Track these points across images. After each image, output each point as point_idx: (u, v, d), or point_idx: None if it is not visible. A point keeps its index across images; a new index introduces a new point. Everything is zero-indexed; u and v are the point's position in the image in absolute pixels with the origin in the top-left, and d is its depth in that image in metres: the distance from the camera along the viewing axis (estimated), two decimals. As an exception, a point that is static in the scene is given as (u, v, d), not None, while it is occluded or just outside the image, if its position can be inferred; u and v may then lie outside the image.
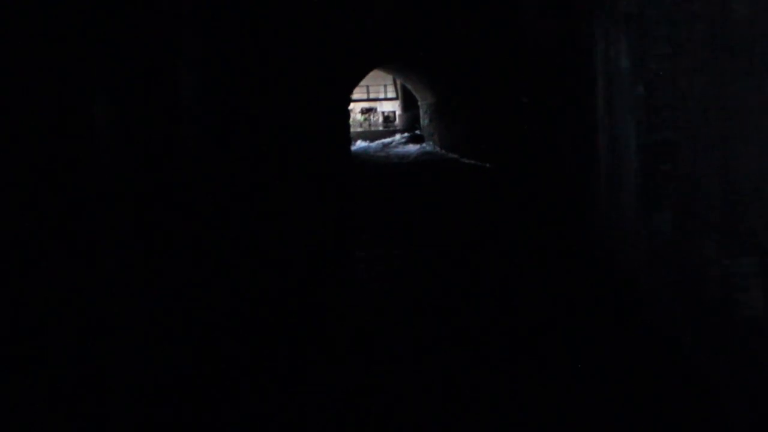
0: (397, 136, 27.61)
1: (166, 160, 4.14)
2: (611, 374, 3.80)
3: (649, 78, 4.36)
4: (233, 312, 4.52)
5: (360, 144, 25.79)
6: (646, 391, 3.58)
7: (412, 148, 23.78)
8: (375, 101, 31.84)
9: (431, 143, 23.36)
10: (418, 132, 26.58)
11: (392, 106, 31.46)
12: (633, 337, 4.35)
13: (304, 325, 4.41)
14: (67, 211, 2.96)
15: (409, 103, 28.25)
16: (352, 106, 19.55)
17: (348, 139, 15.46)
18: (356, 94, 21.99)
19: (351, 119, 18.78)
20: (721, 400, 3.57)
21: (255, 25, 6.93)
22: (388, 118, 31.57)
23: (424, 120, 25.40)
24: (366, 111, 31.73)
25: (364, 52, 14.17)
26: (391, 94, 31.40)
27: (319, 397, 3.52)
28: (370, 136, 28.49)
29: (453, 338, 4.24)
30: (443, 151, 20.50)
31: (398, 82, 28.46)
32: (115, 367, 3.29)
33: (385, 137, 27.86)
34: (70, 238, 2.95)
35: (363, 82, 23.09)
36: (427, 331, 4.45)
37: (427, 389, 3.58)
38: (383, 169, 17.62)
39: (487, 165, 14.63)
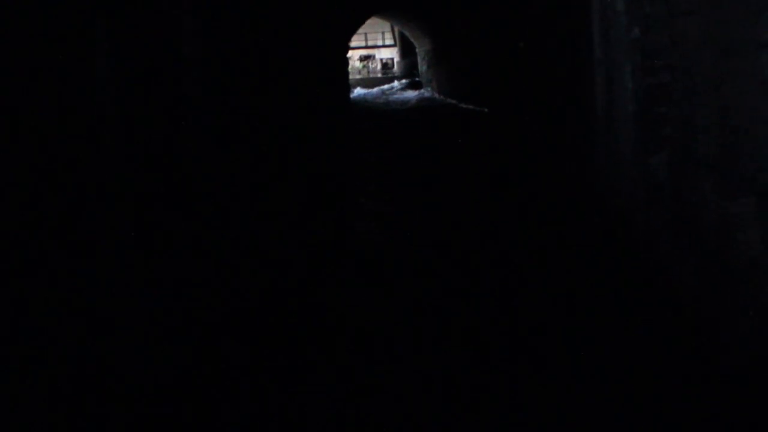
0: (396, 83, 27.61)
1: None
2: (608, 313, 3.88)
3: (644, 21, 4.38)
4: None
5: (359, 91, 25.70)
6: (645, 333, 3.62)
7: (411, 94, 23.75)
8: (373, 48, 31.86)
9: (430, 89, 23.34)
10: (416, 78, 26.59)
11: (390, 53, 31.44)
12: (630, 278, 4.40)
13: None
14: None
15: (407, 49, 28.29)
16: (350, 53, 19.54)
17: (347, 86, 15.43)
18: (354, 42, 22.05)
19: (349, 67, 18.79)
20: (720, 340, 3.57)
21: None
22: (386, 65, 31.53)
23: (422, 66, 25.39)
24: (364, 58, 31.71)
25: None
26: (389, 41, 31.42)
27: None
28: (368, 83, 28.43)
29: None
30: (442, 97, 20.46)
31: (396, 29, 28.51)
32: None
33: (383, 84, 27.86)
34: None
35: (361, 30, 23.16)
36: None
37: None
38: (382, 115, 17.62)
39: (486, 110, 14.60)
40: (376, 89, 26.58)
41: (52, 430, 2.75)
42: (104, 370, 3.16)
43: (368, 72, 31.40)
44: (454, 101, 18.49)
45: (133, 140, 3.64)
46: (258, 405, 3.48)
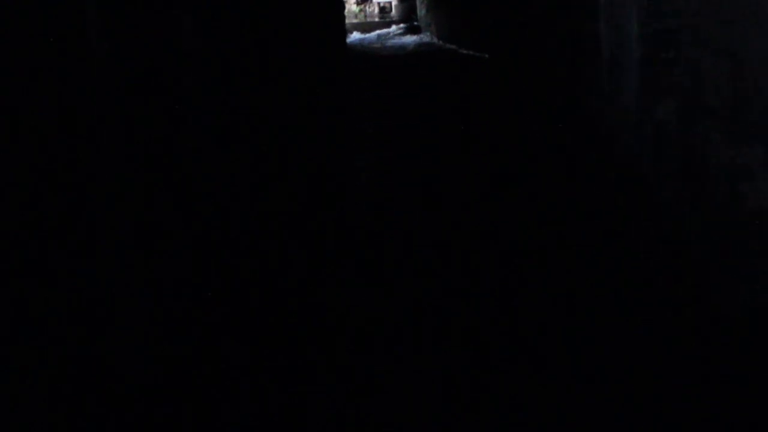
0: (394, 27, 27.23)
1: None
2: (612, 265, 3.91)
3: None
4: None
5: (355, 36, 25.33)
6: (650, 282, 3.63)
7: (409, 39, 23.47)
8: (370, -9, 31.38)
9: (428, 34, 23.09)
10: (415, 23, 26.27)
11: (388, -4, 30.98)
12: (633, 227, 4.40)
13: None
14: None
15: (405, -8, 27.93)
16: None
17: (343, 31, 15.25)
18: (351, -16, 21.73)
19: (346, 11, 18.44)
20: (724, 290, 3.55)
21: None
22: (384, 9, 31.00)
23: (421, 10, 25.12)
24: (361, 2, 31.19)
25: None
26: (387, -17, 30.99)
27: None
28: (365, 27, 28.02)
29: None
30: (441, 42, 20.24)
31: (394, -30, 28.21)
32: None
33: (381, 28, 27.44)
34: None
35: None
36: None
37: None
38: (380, 61, 17.53)
39: (486, 56, 14.44)
40: (373, 34, 26.13)
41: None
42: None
43: (365, 16, 30.77)
44: (453, 46, 18.23)
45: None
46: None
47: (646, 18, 4.36)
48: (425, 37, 22.90)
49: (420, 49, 19.62)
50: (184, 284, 4.23)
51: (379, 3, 30.88)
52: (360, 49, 20.74)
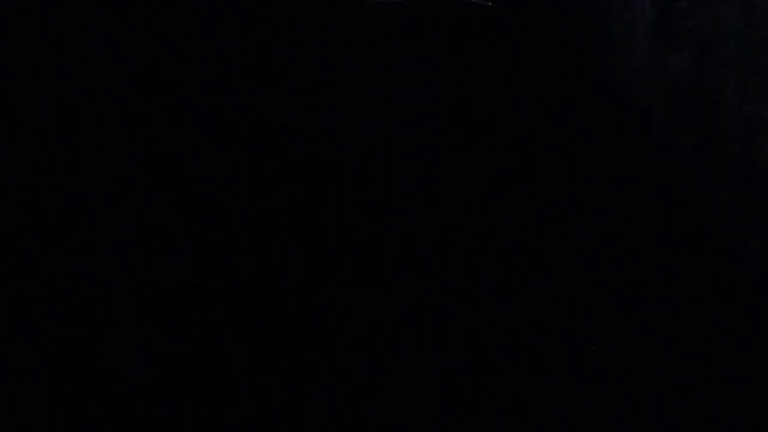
0: None
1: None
2: (622, 220, 3.89)
3: None
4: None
5: None
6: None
7: None
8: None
9: None
10: None
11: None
12: (645, 186, 4.36)
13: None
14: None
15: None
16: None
17: None
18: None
19: None
20: (738, 252, 3.51)
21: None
22: None
23: None
24: None
25: None
26: None
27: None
28: None
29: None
30: None
31: None
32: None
33: None
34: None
35: None
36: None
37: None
38: (378, 8, 17.46)
39: (490, 3, 14.32)
40: None
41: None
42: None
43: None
44: None
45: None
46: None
47: (658, -37, 4.25)
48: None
49: None
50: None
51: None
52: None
